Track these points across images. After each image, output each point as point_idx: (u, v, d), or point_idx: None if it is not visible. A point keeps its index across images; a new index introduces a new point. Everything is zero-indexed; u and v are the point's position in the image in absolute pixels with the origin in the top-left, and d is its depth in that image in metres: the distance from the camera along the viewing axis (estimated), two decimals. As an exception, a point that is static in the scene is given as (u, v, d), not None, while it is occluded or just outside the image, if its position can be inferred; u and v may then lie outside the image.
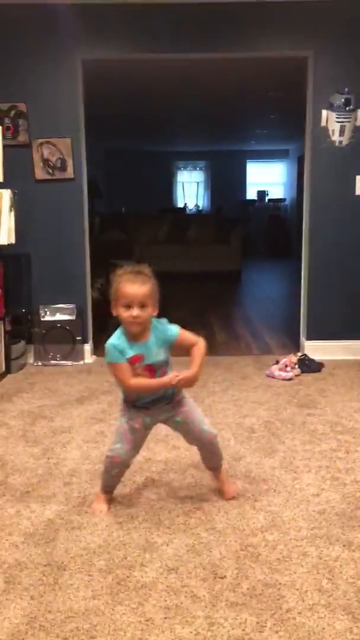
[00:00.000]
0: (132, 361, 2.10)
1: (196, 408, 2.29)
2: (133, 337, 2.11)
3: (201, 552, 2.00)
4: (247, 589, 1.81)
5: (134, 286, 2.05)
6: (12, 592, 1.82)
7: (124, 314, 2.07)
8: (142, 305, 2.05)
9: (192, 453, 2.75)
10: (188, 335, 2.17)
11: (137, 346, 2.11)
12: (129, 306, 2.05)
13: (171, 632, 1.64)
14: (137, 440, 2.25)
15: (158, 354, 2.13)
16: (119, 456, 2.25)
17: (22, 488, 2.48)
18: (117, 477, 2.33)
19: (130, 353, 2.10)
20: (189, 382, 2.12)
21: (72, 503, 2.35)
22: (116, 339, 2.12)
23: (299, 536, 2.09)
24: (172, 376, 2.11)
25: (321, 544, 2.04)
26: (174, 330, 2.15)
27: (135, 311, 2.04)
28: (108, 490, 2.34)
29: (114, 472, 2.29)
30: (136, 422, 2.22)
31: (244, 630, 1.64)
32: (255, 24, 4.12)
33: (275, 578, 1.86)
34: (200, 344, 2.17)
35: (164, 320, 2.17)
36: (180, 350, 2.18)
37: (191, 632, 1.63)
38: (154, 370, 2.14)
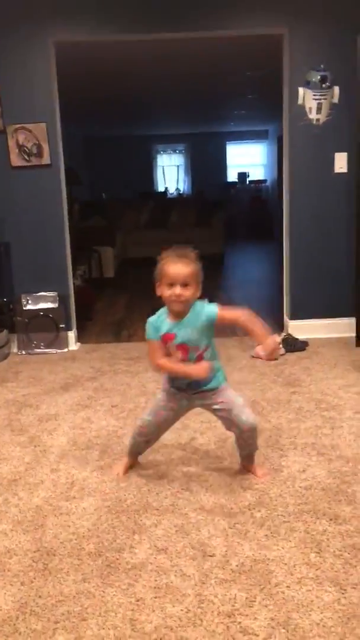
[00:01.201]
0: (165, 339, 2.17)
1: (236, 397, 2.30)
2: (174, 316, 2.16)
3: (190, 532, 2.01)
4: (236, 565, 1.83)
5: (178, 266, 2.11)
6: (1, 579, 1.82)
7: (167, 292, 2.12)
8: (185, 285, 2.09)
9: (179, 435, 2.76)
10: (229, 311, 2.18)
11: (172, 324, 2.16)
12: (172, 285, 2.10)
13: (162, 611, 1.65)
14: (168, 418, 2.31)
15: (192, 334, 2.16)
16: (146, 427, 2.33)
17: (9, 476, 2.47)
18: (143, 446, 2.42)
19: (164, 331, 2.17)
20: (272, 352, 2.25)
21: (59, 489, 2.35)
22: (155, 316, 2.21)
23: (287, 512, 2.11)
24: (191, 368, 2.15)
25: (308, 518, 2.06)
26: (212, 308, 2.17)
27: (177, 289, 2.09)
28: (133, 454, 2.44)
29: (139, 439, 2.38)
30: (172, 401, 2.27)
31: (233, 605, 1.66)
32: (230, 2, 4.07)
33: (263, 554, 1.88)
34: (245, 314, 2.17)
35: (204, 300, 2.20)
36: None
37: (182, 610, 1.65)
38: (187, 350, 2.17)
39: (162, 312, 2.20)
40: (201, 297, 2.18)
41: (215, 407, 2.27)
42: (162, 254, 2.16)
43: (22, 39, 4.08)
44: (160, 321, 2.19)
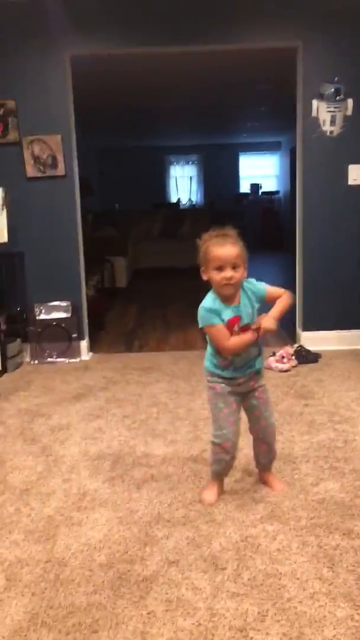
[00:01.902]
0: (230, 323, 2.10)
1: (269, 400, 2.30)
2: (225, 300, 2.10)
3: (201, 545, 2.00)
4: (248, 579, 1.82)
5: (225, 248, 2.04)
6: (13, 589, 1.82)
7: (216, 276, 2.06)
8: (235, 266, 2.05)
9: (190, 447, 2.76)
10: (275, 289, 2.18)
11: (231, 308, 2.10)
12: (221, 268, 2.04)
13: (173, 624, 1.64)
14: (237, 421, 2.24)
15: (251, 315, 2.13)
16: (228, 440, 2.22)
17: (21, 486, 2.48)
18: (232, 461, 2.31)
19: (228, 315, 2.10)
20: (270, 330, 2.10)
21: (71, 499, 2.35)
22: (210, 302, 2.11)
23: (299, 526, 2.09)
24: (253, 332, 2.10)
25: (321, 533, 2.04)
26: (262, 286, 2.16)
27: (228, 272, 2.04)
28: (220, 477, 2.33)
29: (227, 457, 2.26)
30: (231, 402, 2.22)
31: (245, 620, 1.65)
32: (245, 15, 4.11)
33: (275, 568, 1.86)
34: (286, 294, 2.18)
35: (251, 279, 2.17)
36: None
37: (193, 624, 1.64)
38: (248, 329, 2.12)
39: (213, 297, 2.10)
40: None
41: (254, 401, 2.25)
42: (204, 236, 2.10)
43: (38, 52, 4.13)
44: (217, 306, 2.09)
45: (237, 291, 2.10)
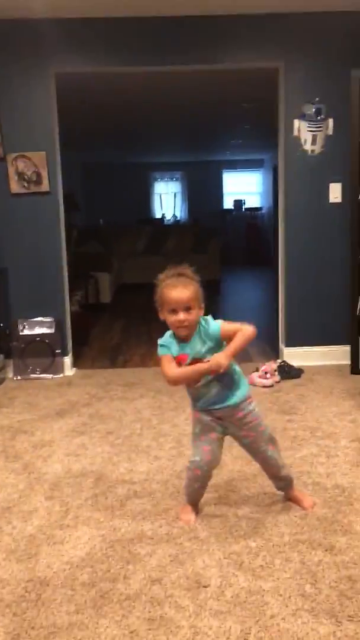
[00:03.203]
0: (178, 360, 2.11)
1: (264, 433, 2.25)
2: (181, 338, 2.12)
3: (184, 562, 2.00)
4: (231, 596, 1.81)
5: (177, 290, 2.05)
6: (-6, 609, 1.80)
7: (170, 318, 2.07)
8: (188, 309, 2.06)
9: (174, 463, 2.75)
10: (230, 327, 2.13)
11: (182, 345, 2.11)
12: (174, 310, 2.06)
13: (156, 643, 1.63)
14: (215, 450, 2.22)
15: (202, 353, 2.10)
16: (199, 468, 2.21)
17: (3, 504, 2.45)
18: (201, 489, 2.29)
19: (175, 352, 2.11)
20: (218, 364, 2.04)
21: (54, 517, 2.33)
22: (164, 338, 2.15)
23: (282, 542, 2.10)
24: (203, 364, 2.07)
25: (303, 549, 2.05)
26: (215, 326, 2.12)
27: (181, 315, 2.05)
28: (194, 502, 2.31)
29: (196, 485, 2.26)
30: (210, 431, 2.20)
31: (228, 638, 1.64)
32: (227, 36, 4.18)
33: (258, 585, 1.86)
34: (243, 330, 2.11)
35: (208, 317, 2.15)
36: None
37: (176, 643, 1.63)
38: (200, 362, 2.11)
39: (169, 335, 2.14)
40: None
41: (245, 441, 2.24)
42: (160, 277, 2.11)
43: (24, 69, 4.17)
44: (169, 343, 2.12)
45: (192, 331, 2.11)
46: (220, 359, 2.04)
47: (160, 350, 2.14)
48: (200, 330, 2.12)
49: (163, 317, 2.11)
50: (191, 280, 2.09)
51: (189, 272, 2.11)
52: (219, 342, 2.12)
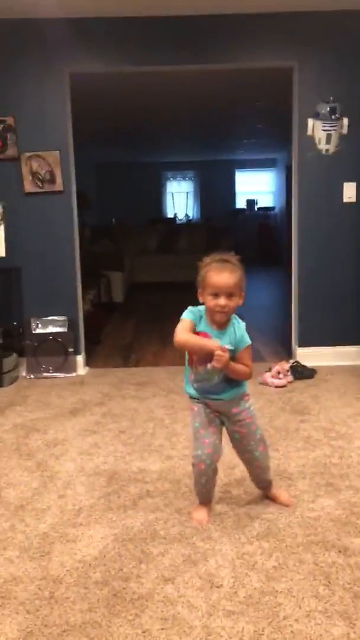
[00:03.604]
0: (199, 335, 2.09)
1: (255, 433, 2.25)
2: (212, 322, 2.10)
3: (197, 562, 1.99)
4: (244, 597, 1.81)
5: (223, 275, 2.03)
6: (7, 606, 1.80)
7: (210, 302, 2.06)
8: (230, 295, 2.05)
9: (186, 462, 2.75)
10: (248, 356, 2.15)
11: (209, 329, 2.10)
12: (216, 295, 2.05)
13: (168, 643, 1.63)
14: (215, 443, 2.21)
15: (228, 346, 2.08)
16: (202, 462, 2.20)
17: (16, 502, 2.47)
18: (210, 486, 2.28)
19: (202, 329, 2.09)
20: (222, 356, 2.01)
21: (67, 516, 2.34)
22: (197, 308, 2.12)
23: (295, 543, 2.09)
24: (219, 347, 2.02)
25: (317, 550, 2.04)
26: (247, 342, 2.13)
27: (222, 300, 2.04)
28: (204, 501, 2.30)
29: (203, 480, 2.25)
30: (210, 425, 2.19)
31: (241, 638, 1.64)
32: (242, 35, 4.17)
33: (271, 586, 1.86)
34: (248, 369, 2.14)
35: (243, 325, 2.15)
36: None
37: (189, 643, 1.63)
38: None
39: (202, 309, 2.12)
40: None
41: (236, 436, 2.24)
42: (205, 259, 2.10)
43: (38, 69, 4.18)
44: (199, 316, 2.10)
45: (228, 319, 2.11)
46: (223, 363, 2.02)
47: (185, 314, 2.11)
48: (234, 327, 2.12)
49: (202, 299, 2.10)
50: (237, 267, 2.08)
51: (234, 260, 2.10)
52: (234, 356, 2.12)
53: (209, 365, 2.07)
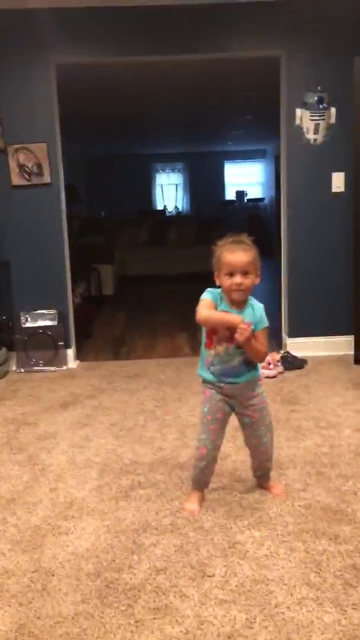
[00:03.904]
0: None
1: (265, 418, 2.27)
2: (231, 303, 2.13)
3: (189, 552, 2.00)
4: (236, 585, 1.82)
5: (237, 254, 2.07)
6: (0, 599, 1.80)
7: (227, 281, 2.09)
8: (245, 273, 2.07)
9: (178, 454, 2.76)
10: (265, 337, 2.19)
11: (230, 309, 2.12)
12: (231, 274, 2.07)
13: (161, 632, 1.64)
14: (219, 430, 2.23)
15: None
16: (204, 447, 2.23)
17: (7, 495, 2.46)
18: (207, 472, 2.29)
19: (223, 309, 2.12)
20: (246, 335, 2.05)
21: (58, 508, 2.34)
22: (214, 290, 2.15)
23: (286, 531, 2.10)
24: (241, 319, 2.07)
25: (308, 538, 2.05)
26: (265, 323, 2.17)
27: (238, 278, 2.07)
28: (199, 487, 2.31)
29: (202, 465, 2.26)
30: (217, 411, 2.21)
31: (233, 626, 1.65)
32: (228, 25, 4.15)
33: (263, 574, 1.87)
34: (264, 349, 2.18)
35: (262, 306, 2.19)
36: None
37: (181, 632, 1.64)
38: (233, 339, 2.11)
39: (219, 291, 2.14)
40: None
41: (246, 420, 2.25)
42: (219, 242, 2.13)
43: (23, 60, 4.14)
44: (219, 298, 2.13)
45: (245, 298, 2.14)
46: (246, 334, 2.05)
47: (204, 294, 2.14)
48: (252, 307, 2.15)
49: (219, 281, 2.13)
50: (250, 247, 2.11)
51: (247, 240, 2.13)
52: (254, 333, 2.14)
53: (230, 345, 2.11)
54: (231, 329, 2.09)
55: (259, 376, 2.26)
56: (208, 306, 2.12)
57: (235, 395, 2.22)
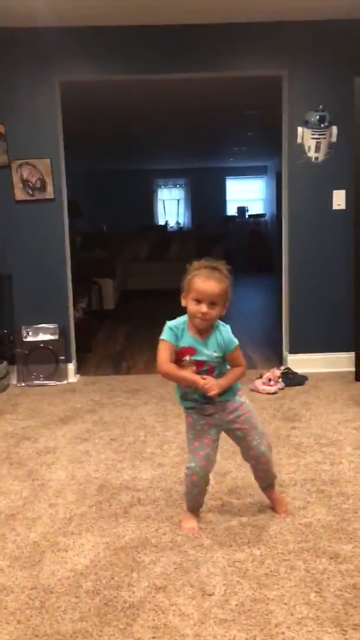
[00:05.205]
0: (182, 352, 2.10)
1: (256, 426, 2.25)
2: (195, 331, 2.11)
3: (189, 570, 1.99)
4: (236, 605, 1.81)
5: (209, 283, 2.04)
6: (-2, 617, 1.79)
7: (192, 307, 2.06)
8: (212, 303, 2.05)
9: (178, 470, 2.75)
10: (237, 356, 2.17)
11: (194, 340, 2.10)
12: (199, 301, 2.05)
13: (160, 651, 1.62)
14: (209, 454, 2.20)
15: (211, 354, 2.10)
16: (195, 474, 2.20)
17: (6, 511, 2.45)
18: (200, 496, 2.28)
19: (185, 343, 2.10)
20: (210, 389, 2.05)
21: (57, 524, 2.33)
22: (177, 322, 2.12)
23: (286, 550, 2.09)
24: (199, 378, 2.07)
25: (308, 557, 2.04)
26: (233, 343, 2.14)
27: (204, 308, 2.04)
28: (194, 510, 2.30)
29: (195, 491, 2.24)
30: (203, 436, 2.18)
31: (233, 647, 1.63)
32: (231, 44, 4.20)
33: (263, 593, 1.86)
34: (242, 368, 2.17)
35: (228, 328, 2.16)
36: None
37: (180, 651, 1.62)
38: (202, 365, 2.10)
39: (182, 322, 2.12)
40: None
41: (238, 433, 2.22)
42: (194, 264, 2.10)
43: (28, 77, 4.19)
44: (180, 331, 2.10)
45: (209, 328, 2.11)
46: (214, 386, 2.06)
47: (164, 334, 2.11)
48: (218, 332, 2.12)
49: (185, 303, 2.10)
50: (224, 277, 2.08)
51: (223, 269, 2.10)
52: (224, 357, 2.14)
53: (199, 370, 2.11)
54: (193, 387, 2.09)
55: (236, 389, 2.22)
56: (169, 356, 2.09)
57: (218, 412, 2.18)
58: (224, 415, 2.19)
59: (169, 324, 2.13)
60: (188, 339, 2.11)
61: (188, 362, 2.11)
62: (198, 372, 2.11)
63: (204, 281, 2.04)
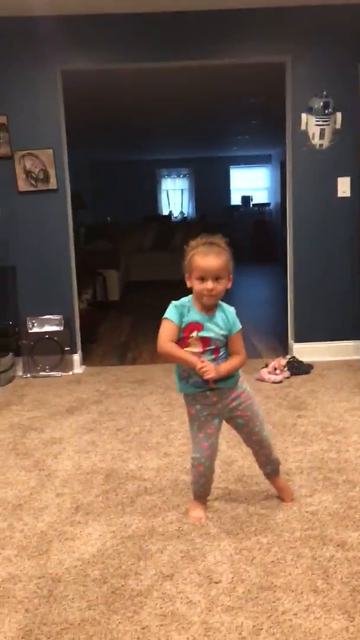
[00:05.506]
0: (190, 327, 2.08)
1: (258, 413, 2.24)
2: (202, 308, 2.09)
3: (196, 558, 1.99)
4: (243, 592, 1.81)
5: (209, 258, 2.02)
6: (6, 605, 1.80)
7: (198, 286, 2.05)
8: (217, 278, 2.03)
9: (184, 459, 2.75)
10: (238, 342, 2.15)
11: (202, 316, 2.08)
12: (203, 278, 2.03)
13: (167, 639, 1.63)
14: (213, 444, 2.20)
15: (218, 332, 2.09)
16: (201, 464, 2.20)
17: (14, 501, 2.46)
18: (207, 485, 2.28)
19: (193, 318, 2.07)
20: (209, 372, 2.04)
21: (64, 514, 2.34)
22: (182, 301, 2.10)
23: (293, 538, 2.09)
24: (199, 360, 2.05)
25: (315, 544, 2.04)
26: (238, 326, 2.13)
27: (209, 284, 2.02)
28: (202, 499, 2.30)
29: (202, 481, 2.25)
30: (209, 427, 2.18)
31: (240, 634, 1.64)
32: (234, 31, 4.16)
33: (270, 580, 1.86)
34: (242, 356, 2.15)
35: (233, 310, 2.15)
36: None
37: (188, 638, 1.63)
38: (208, 343, 2.09)
39: (188, 301, 2.10)
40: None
41: (239, 421, 2.21)
42: (191, 243, 2.08)
43: (29, 67, 4.17)
44: (186, 308, 2.08)
45: (216, 302, 2.10)
46: (212, 370, 2.05)
47: (168, 312, 2.09)
48: (223, 311, 2.11)
49: (190, 284, 2.09)
50: (223, 250, 2.07)
51: (221, 242, 2.09)
52: (227, 339, 2.12)
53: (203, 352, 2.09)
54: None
55: (239, 375, 2.20)
56: (170, 336, 2.07)
57: (221, 399, 2.16)
58: (227, 402, 2.18)
59: (174, 302, 2.11)
60: (195, 315, 2.09)
61: (195, 338, 2.09)
62: (205, 351, 2.09)
63: (204, 257, 2.03)
